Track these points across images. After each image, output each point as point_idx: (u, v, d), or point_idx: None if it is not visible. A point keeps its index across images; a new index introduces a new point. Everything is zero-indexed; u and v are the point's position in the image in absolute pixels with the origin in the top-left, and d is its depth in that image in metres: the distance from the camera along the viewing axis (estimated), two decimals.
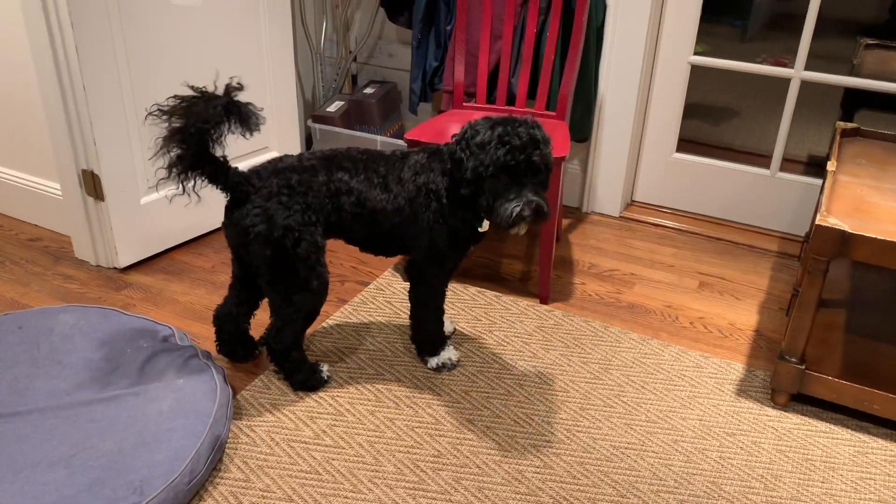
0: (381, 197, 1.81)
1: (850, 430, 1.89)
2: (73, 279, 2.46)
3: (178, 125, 1.57)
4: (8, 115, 2.63)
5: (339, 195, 1.79)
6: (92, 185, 2.38)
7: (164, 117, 1.57)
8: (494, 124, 1.70)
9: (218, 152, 1.66)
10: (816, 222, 1.74)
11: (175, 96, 1.58)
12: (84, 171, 2.37)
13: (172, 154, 1.60)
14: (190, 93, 1.59)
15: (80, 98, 2.24)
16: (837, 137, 2.28)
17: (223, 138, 1.63)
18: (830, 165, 2.07)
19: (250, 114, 1.61)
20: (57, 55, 2.21)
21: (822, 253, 1.76)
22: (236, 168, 1.75)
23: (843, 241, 1.72)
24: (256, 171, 1.79)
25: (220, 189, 1.75)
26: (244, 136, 1.62)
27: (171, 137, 1.58)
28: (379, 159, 1.85)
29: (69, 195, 2.45)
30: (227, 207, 1.79)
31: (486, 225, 1.85)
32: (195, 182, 1.67)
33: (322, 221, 1.79)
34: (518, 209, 1.66)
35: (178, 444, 1.63)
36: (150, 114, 1.57)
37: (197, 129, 1.57)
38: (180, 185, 1.64)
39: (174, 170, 1.61)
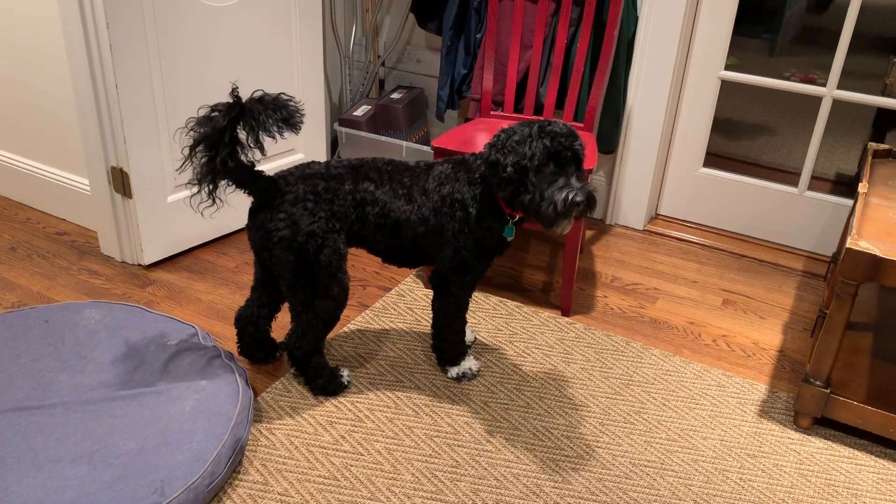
0: (405, 208, 1.81)
1: (873, 457, 1.87)
2: (99, 274, 2.49)
3: (200, 134, 1.58)
4: (40, 111, 2.67)
5: (363, 205, 1.80)
6: (120, 181, 2.40)
7: (190, 129, 1.59)
8: (530, 123, 1.72)
9: (245, 158, 1.67)
10: (847, 245, 1.72)
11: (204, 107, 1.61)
12: (113, 168, 2.39)
13: (200, 161, 1.60)
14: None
15: (113, 96, 2.26)
16: (869, 158, 2.25)
17: (250, 142, 1.63)
18: (862, 187, 2.04)
19: (265, 116, 1.60)
20: (91, 53, 2.23)
21: (851, 276, 1.74)
22: (262, 172, 1.76)
23: (874, 266, 1.70)
24: (283, 176, 1.79)
25: (248, 193, 1.76)
26: (278, 135, 1.63)
27: (196, 146, 1.60)
28: (404, 170, 1.86)
29: (97, 191, 2.48)
30: (251, 210, 1.80)
31: (513, 233, 1.85)
32: (223, 188, 1.68)
33: (345, 230, 1.80)
34: (572, 195, 1.65)
35: (199, 445, 1.64)
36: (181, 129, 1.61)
37: (207, 136, 1.58)
38: (208, 195, 1.65)
39: (204, 181, 1.62)
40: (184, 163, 1.62)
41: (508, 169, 1.69)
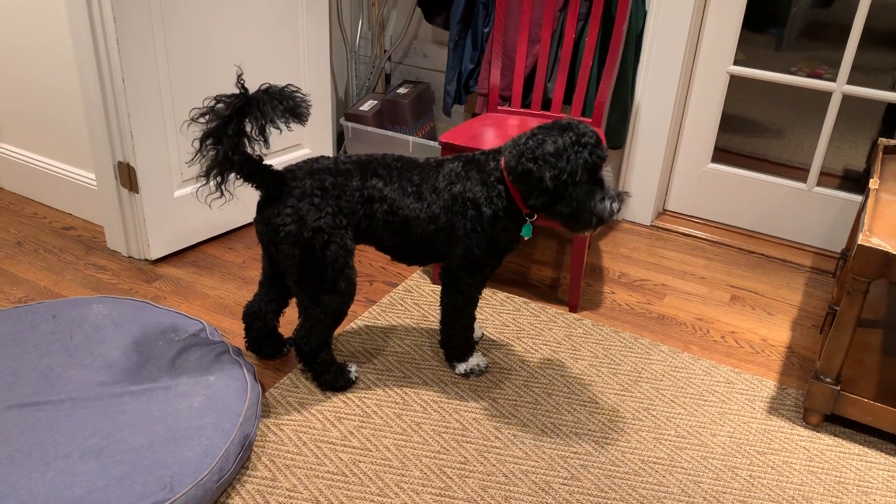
0: (414, 206, 1.80)
1: (884, 454, 1.86)
2: (105, 269, 2.48)
3: (208, 126, 1.57)
4: (47, 106, 2.66)
5: (371, 202, 1.79)
6: (127, 176, 2.39)
7: (199, 120, 1.58)
8: (558, 130, 1.71)
9: (252, 151, 1.66)
10: (859, 242, 1.71)
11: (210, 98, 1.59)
12: (120, 163, 2.39)
13: (209, 154, 1.60)
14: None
15: (119, 91, 2.25)
16: (880, 154, 2.24)
17: (256, 134, 1.61)
18: (873, 183, 2.03)
19: (270, 107, 1.58)
20: (98, 48, 2.22)
21: (863, 273, 1.73)
22: (270, 166, 1.75)
23: (886, 263, 1.69)
24: (291, 171, 1.79)
25: (255, 187, 1.75)
26: (285, 127, 1.61)
27: (206, 139, 1.59)
28: (413, 167, 1.84)
29: (104, 186, 2.47)
30: (259, 205, 1.80)
31: (531, 232, 1.85)
32: (232, 181, 1.67)
33: (353, 226, 1.79)
34: (615, 205, 1.72)
35: (208, 441, 1.63)
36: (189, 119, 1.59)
37: (216, 129, 1.57)
38: (217, 187, 1.64)
39: (212, 172, 1.61)
40: (195, 156, 1.61)
41: (547, 183, 1.69)
